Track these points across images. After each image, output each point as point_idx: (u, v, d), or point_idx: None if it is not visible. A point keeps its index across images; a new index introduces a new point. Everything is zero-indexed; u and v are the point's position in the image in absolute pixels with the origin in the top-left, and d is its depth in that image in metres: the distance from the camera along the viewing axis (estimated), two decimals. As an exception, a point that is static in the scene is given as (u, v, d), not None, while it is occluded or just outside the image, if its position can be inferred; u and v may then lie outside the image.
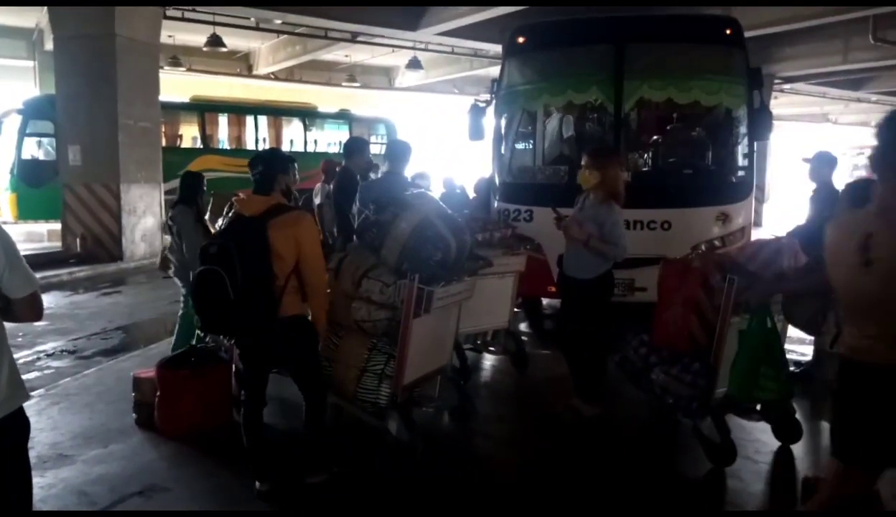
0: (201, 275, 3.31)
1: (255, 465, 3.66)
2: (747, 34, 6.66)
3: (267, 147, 17.60)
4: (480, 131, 7.05)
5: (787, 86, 22.15)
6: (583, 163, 4.64)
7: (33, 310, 2.22)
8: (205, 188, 5.78)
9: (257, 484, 3.61)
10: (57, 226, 13.07)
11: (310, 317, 3.64)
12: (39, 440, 4.28)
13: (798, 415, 4.34)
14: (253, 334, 3.47)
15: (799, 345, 6.47)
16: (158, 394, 4.42)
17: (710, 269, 4.03)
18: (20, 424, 2.24)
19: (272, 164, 3.67)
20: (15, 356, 2.25)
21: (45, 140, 15.05)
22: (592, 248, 4.47)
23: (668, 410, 4.22)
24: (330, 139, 19.55)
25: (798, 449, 4.27)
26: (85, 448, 4.23)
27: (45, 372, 6.11)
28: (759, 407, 4.23)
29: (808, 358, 5.90)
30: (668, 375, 4.08)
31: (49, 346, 6.92)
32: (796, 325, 3.83)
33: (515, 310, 6.41)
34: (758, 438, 4.35)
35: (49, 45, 14.46)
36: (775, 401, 4.01)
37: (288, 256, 3.42)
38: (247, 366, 3.66)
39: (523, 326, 7.17)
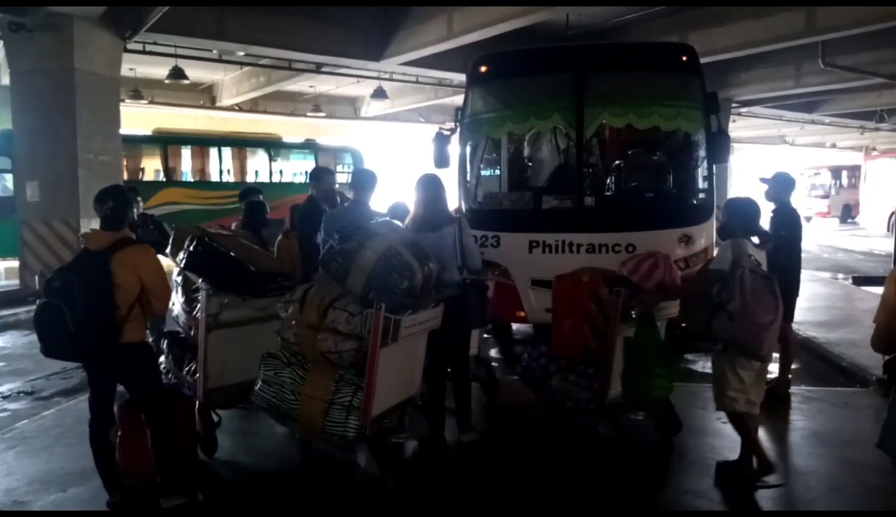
0: (44, 306, 3.54)
1: (104, 480, 3.88)
2: (703, 60, 6.82)
3: (231, 179, 17.38)
4: (446, 159, 7.07)
5: (744, 109, 22.79)
6: None
7: None
8: None
9: (108, 497, 3.86)
10: (14, 263, 12.73)
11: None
12: (-6, 487, 4.12)
13: (676, 410, 4.74)
14: (93, 360, 3.74)
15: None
16: (119, 434, 4.28)
17: (598, 283, 4.47)
18: None
19: (124, 200, 3.91)
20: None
21: (1, 175, 14.72)
22: None
23: (568, 414, 4.59)
24: (296, 169, 19.43)
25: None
26: (43, 493, 4.09)
27: (1, 415, 5.90)
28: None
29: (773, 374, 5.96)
30: (567, 381, 4.54)
31: (5, 388, 6.68)
32: (692, 331, 4.23)
33: (485, 336, 6.40)
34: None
35: (5, 80, 14.18)
36: (665, 396, 4.47)
37: (129, 288, 3.64)
38: (92, 388, 3.92)
39: (493, 352, 7.14)
